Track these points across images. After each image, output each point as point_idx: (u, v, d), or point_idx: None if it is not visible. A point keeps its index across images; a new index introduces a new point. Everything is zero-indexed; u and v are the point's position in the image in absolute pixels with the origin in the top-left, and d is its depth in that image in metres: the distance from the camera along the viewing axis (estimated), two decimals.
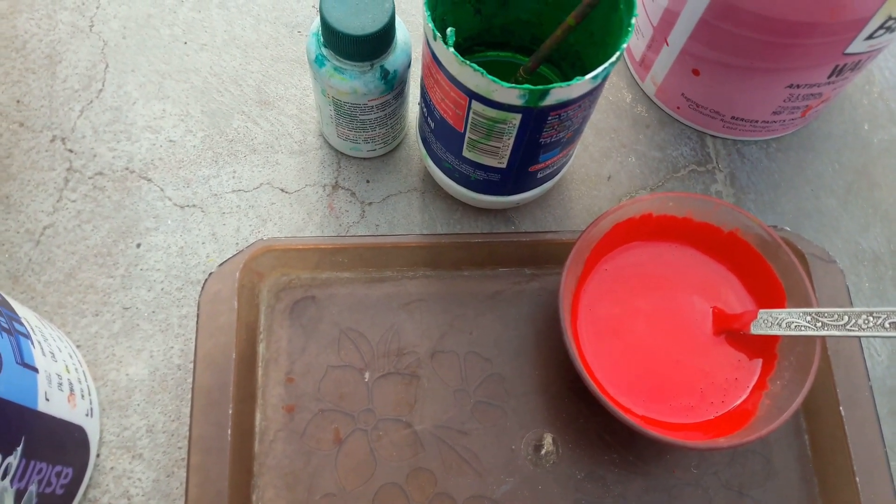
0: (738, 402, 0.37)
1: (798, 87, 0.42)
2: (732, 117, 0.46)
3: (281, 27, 0.48)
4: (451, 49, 0.31)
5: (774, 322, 0.35)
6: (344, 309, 0.40)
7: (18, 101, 0.44)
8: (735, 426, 0.35)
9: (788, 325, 0.35)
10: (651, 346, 0.38)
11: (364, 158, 0.44)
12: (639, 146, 0.47)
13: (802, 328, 0.34)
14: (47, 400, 0.31)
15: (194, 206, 0.42)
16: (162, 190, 0.43)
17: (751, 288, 0.39)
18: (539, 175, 0.39)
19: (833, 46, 0.39)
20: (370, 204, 0.43)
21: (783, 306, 0.37)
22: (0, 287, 0.40)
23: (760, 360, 0.38)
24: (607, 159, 0.46)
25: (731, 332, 0.38)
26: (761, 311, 0.36)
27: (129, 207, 0.42)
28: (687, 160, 0.47)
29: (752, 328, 0.36)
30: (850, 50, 0.39)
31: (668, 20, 0.42)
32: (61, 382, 0.33)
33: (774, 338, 0.37)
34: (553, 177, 0.41)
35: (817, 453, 0.38)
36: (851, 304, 0.41)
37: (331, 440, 0.37)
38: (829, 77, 0.41)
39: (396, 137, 0.44)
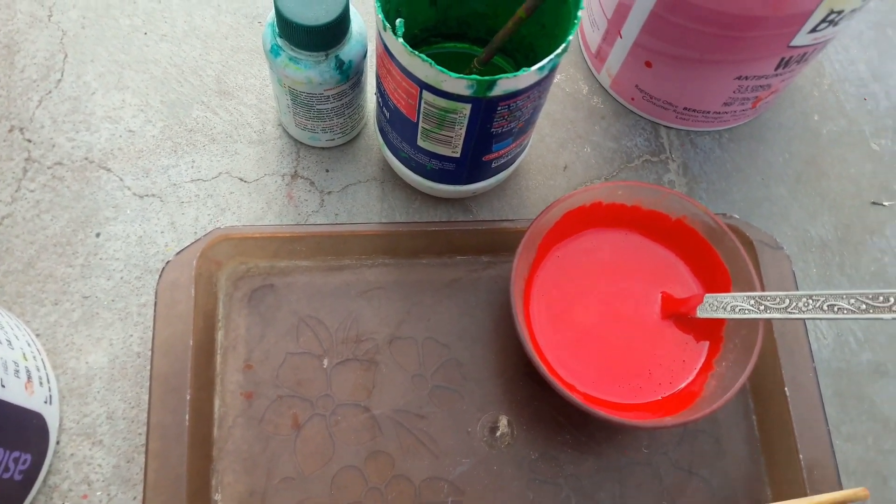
0: (685, 383, 0.38)
1: (746, 78, 0.43)
2: (685, 108, 0.47)
3: (241, 18, 0.48)
4: (401, 39, 0.31)
5: (719, 306, 0.36)
6: (303, 297, 0.40)
7: None
8: (681, 406, 0.37)
9: (733, 309, 0.36)
10: (601, 329, 0.39)
11: (323, 148, 0.45)
12: (594, 137, 0.48)
13: (746, 311, 0.35)
14: (3, 386, 0.31)
15: (153, 195, 0.43)
16: (121, 180, 0.43)
17: (698, 273, 0.40)
18: (493, 164, 0.40)
19: (778, 39, 0.40)
20: (329, 193, 0.44)
21: (729, 290, 0.38)
22: None
23: (707, 343, 0.39)
24: (563, 150, 0.47)
25: (679, 315, 0.39)
26: (707, 295, 0.37)
27: (88, 197, 0.42)
28: (641, 150, 0.48)
29: (697, 312, 0.37)
30: (794, 43, 0.40)
31: (621, 13, 0.43)
32: (18, 370, 0.33)
33: (720, 321, 0.38)
34: (508, 166, 0.42)
35: (764, 433, 0.40)
36: (797, 289, 0.42)
37: (289, 425, 0.38)
38: (777, 69, 0.43)
39: (355, 128, 0.44)
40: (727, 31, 0.40)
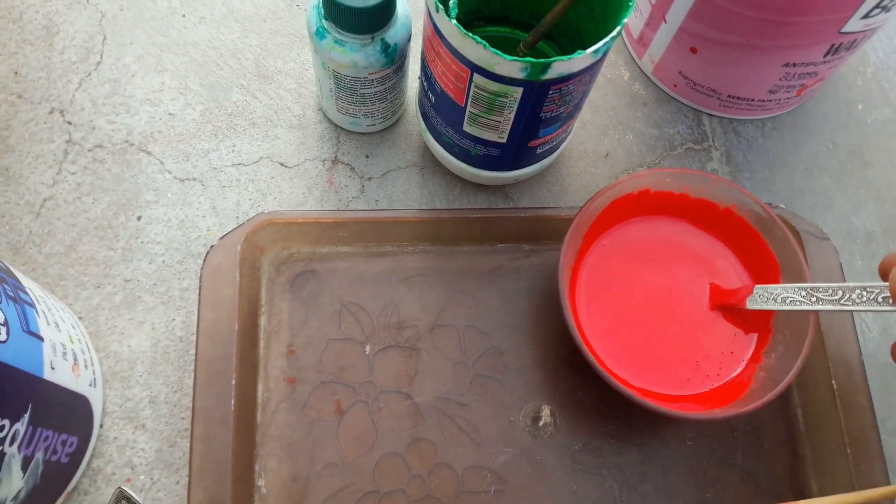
0: (734, 374, 0.38)
1: (794, 65, 0.42)
2: (729, 96, 0.46)
3: (279, 1, 0.48)
4: (454, 21, 0.31)
5: (770, 297, 0.36)
6: (344, 283, 0.40)
7: (16, 73, 0.44)
8: (730, 398, 0.36)
9: (783, 300, 0.35)
10: (648, 319, 0.38)
11: (363, 133, 0.44)
12: (636, 124, 0.47)
13: (797, 303, 0.35)
14: (52, 368, 0.31)
15: (194, 179, 0.42)
16: (162, 163, 0.43)
17: (746, 263, 0.39)
18: (538, 150, 0.39)
19: (829, 25, 0.39)
20: (370, 179, 0.44)
21: (778, 281, 0.38)
22: (1, 258, 0.40)
23: (756, 334, 0.38)
24: (605, 137, 0.46)
25: (728, 306, 0.38)
26: (757, 286, 0.37)
27: (129, 180, 0.42)
28: (684, 138, 0.47)
29: (747, 303, 0.37)
30: (846, 29, 0.39)
31: None
32: (65, 352, 0.33)
33: (769, 312, 0.38)
34: (552, 153, 0.41)
35: (809, 426, 0.39)
36: (845, 280, 0.41)
37: (332, 411, 0.37)
38: (825, 56, 0.42)
39: (396, 112, 0.44)
40: (778, 15, 0.39)
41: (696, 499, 0.38)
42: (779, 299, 0.35)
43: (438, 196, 0.44)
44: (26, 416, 0.29)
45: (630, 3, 0.32)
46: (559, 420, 0.38)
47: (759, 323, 0.38)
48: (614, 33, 0.31)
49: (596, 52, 0.31)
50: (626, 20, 0.32)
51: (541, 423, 0.38)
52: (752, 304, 0.36)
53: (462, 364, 0.39)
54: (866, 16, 0.39)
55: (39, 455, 0.30)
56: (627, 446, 0.38)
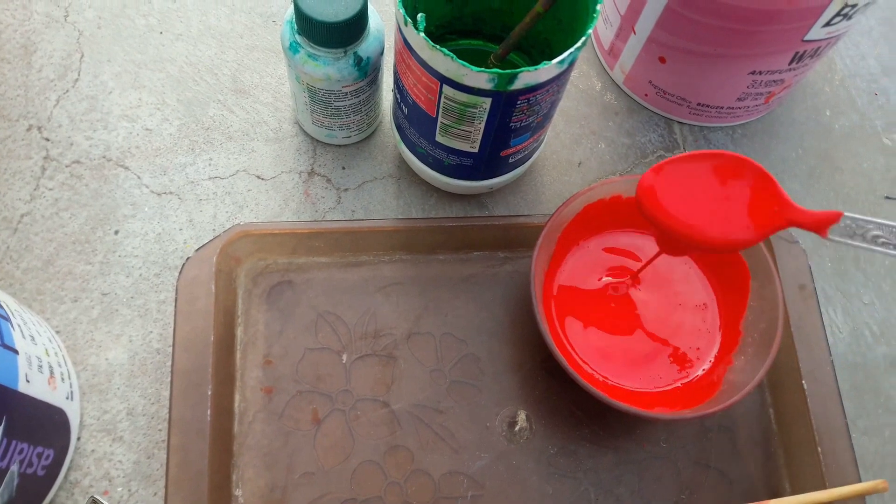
0: (701, 371, 0.38)
1: (760, 73, 0.43)
2: (698, 104, 0.47)
3: (255, 17, 0.49)
4: (422, 34, 0.32)
5: (858, 231, 0.31)
6: (321, 293, 0.40)
7: None
8: (701, 399, 0.37)
9: (874, 239, 0.31)
10: (619, 321, 0.39)
11: (339, 145, 0.45)
12: (608, 133, 0.48)
13: (889, 245, 0.31)
14: (28, 381, 0.31)
15: (171, 193, 0.43)
16: (139, 178, 0.43)
17: (715, 265, 0.40)
18: (511, 160, 0.40)
19: (792, 33, 0.40)
20: (346, 190, 0.44)
21: (747, 285, 0.38)
22: None
23: (721, 333, 0.39)
24: (578, 146, 0.47)
25: (800, 227, 0.33)
26: (846, 214, 0.31)
27: (106, 195, 0.42)
28: (655, 146, 0.48)
29: (828, 233, 0.31)
30: (808, 37, 0.40)
31: (635, 9, 0.44)
32: (41, 365, 0.33)
33: (739, 314, 0.39)
34: (524, 162, 0.42)
35: (781, 427, 0.40)
36: (814, 283, 0.42)
37: (309, 420, 0.38)
38: (790, 64, 0.43)
39: (371, 124, 0.44)
40: (742, 25, 0.40)
41: (671, 500, 0.38)
42: (868, 236, 0.31)
43: (414, 206, 0.44)
44: (0, 428, 0.29)
45: (595, 14, 0.33)
46: (535, 425, 0.39)
47: (728, 324, 0.39)
48: (579, 44, 0.32)
49: (561, 62, 0.32)
50: (590, 31, 0.32)
51: (517, 428, 0.39)
52: (834, 234, 0.31)
53: (439, 371, 0.39)
54: (828, 24, 0.40)
55: (15, 468, 0.31)
56: (602, 450, 0.39)
